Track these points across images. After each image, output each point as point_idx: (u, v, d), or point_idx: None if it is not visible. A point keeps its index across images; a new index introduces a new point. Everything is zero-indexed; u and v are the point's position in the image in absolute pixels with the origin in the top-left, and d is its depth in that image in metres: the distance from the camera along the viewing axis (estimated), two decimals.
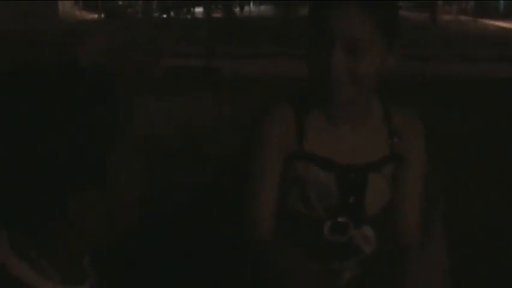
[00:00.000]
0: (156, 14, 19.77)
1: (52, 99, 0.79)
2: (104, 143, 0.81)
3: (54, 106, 0.78)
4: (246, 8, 25.08)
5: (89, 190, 0.80)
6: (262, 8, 24.98)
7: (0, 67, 0.83)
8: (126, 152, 0.85)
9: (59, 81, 0.81)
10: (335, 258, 1.46)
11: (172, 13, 20.00)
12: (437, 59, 10.62)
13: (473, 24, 19.43)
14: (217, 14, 19.92)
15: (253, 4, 26.09)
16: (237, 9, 22.10)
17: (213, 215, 1.60)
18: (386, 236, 1.47)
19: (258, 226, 1.41)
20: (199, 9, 20.71)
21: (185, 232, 1.67)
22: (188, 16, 20.02)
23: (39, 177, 0.77)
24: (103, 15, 22.07)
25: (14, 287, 0.79)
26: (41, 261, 0.82)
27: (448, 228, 1.61)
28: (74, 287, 0.87)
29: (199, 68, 8.87)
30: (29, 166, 0.77)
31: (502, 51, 11.51)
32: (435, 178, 1.57)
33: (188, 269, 1.59)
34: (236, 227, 1.45)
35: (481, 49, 11.98)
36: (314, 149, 1.39)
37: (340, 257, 1.46)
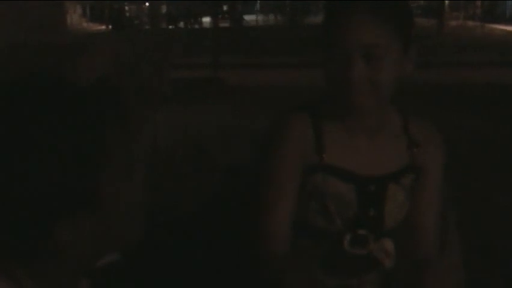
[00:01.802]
0: (163, 25, 19.91)
1: (42, 115, 0.76)
2: (101, 158, 0.78)
3: (45, 122, 0.75)
4: (253, 17, 25.17)
5: (83, 209, 0.77)
6: (271, 17, 25.02)
7: None
8: (126, 165, 0.82)
9: (48, 99, 0.78)
10: (354, 272, 1.42)
11: (179, 23, 20.08)
12: (445, 65, 10.58)
13: (480, 29, 19.38)
14: (224, 24, 20.00)
15: (260, 13, 26.14)
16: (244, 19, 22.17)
17: (221, 223, 1.58)
18: (405, 249, 1.44)
19: (274, 240, 1.38)
20: (206, 19, 20.84)
21: (192, 240, 1.66)
22: (196, 26, 20.14)
23: (28, 194, 0.74)
24: (110, 27, 22.21)
25: None
26: (27, 281, 0.79)
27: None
28: None
29: (205, 78, 8.89)
30: (19, 182, 0.74)
31: (509, 56, 11.45)
32: (447, 186, 1.55)
33: (195, 278, 1.58)
34: (244, 235, 1.43)
35: (489, 54, 11.93)
36: (333, 161, 1.36)
37: (360, 271, 1.42)
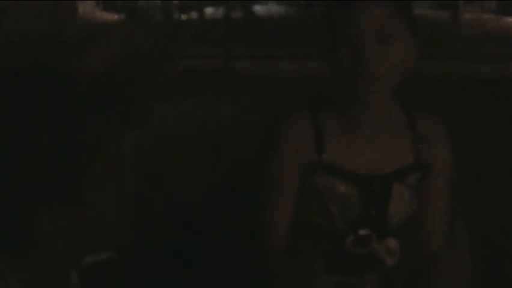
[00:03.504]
0: (176, 15, 19.92)
1: (31, 105, 0.74)
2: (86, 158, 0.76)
3: (35, 112, 0.74)
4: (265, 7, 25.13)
5: (66, 204, 0.76)
6: (283, 8, 24.95)
7: None
8: (114, 171, 0.80)
9: (39, 87, 0.76)
10: (356, 271, 1.40)
11: (192, 13, 20.08)
12: (459, 59, 10.50)
13: (495, 22, 19.21)
14: (236, 14, 19.97)
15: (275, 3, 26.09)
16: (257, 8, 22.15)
17: (231, 215, 1.58)
18: (411, 247, 1.42)
19: (272, 238, 1.36)
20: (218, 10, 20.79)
21: (200, 233, 1.64)
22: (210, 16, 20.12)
23: (8, 181, 0.72)
24: (123, 16, 22.24)
25: None
26: (10, 274, 0.77)
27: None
28: None
29: (216, 69, 8.87)
30: (4, 175, 0.72)
31: None
32: (455, 182, 1.52)
33: (196, 276, 1.57)
34: (254, 226, 1.41)
35: (504, 48, 11.82)
36: (334, 160, 1.32)
37: (362, 270, 1.40)
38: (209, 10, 21.49)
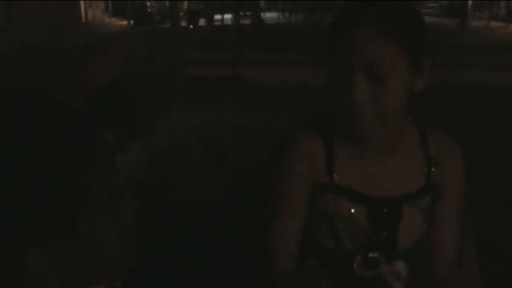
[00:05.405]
0: (184, 22, 20.00)
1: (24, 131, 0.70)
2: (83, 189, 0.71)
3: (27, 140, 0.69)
4: (274, 15, 25.22)
5: (59, 238, 0.71)
6: (292, 15, 25.01)
7: None
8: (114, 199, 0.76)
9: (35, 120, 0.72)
10: None
11: (199, 20, 20.15)
12: (467, 66, 10.46)
13: (504, 30, 19.15)
14: (245, 21, 20.02)
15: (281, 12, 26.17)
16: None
17: (235, 223, 1.55)
18: (421, 270, 1.38)
19: (278, 259, 1.33)
20: (227, 16, 20.87)
21: (203, 240, 1.64)
22: (219, 23, 20.20)
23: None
24: (132, 22, 22.36)
25: None
26: None
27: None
28: None
29: (223, 76, 8.87)
30: None
31: None
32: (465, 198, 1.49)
33: (203, 278, 1.56)
34: (259, 236, 1.38)
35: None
36: (345, 182, 1.28)
37: None
38: (217, 17, 21.55)
